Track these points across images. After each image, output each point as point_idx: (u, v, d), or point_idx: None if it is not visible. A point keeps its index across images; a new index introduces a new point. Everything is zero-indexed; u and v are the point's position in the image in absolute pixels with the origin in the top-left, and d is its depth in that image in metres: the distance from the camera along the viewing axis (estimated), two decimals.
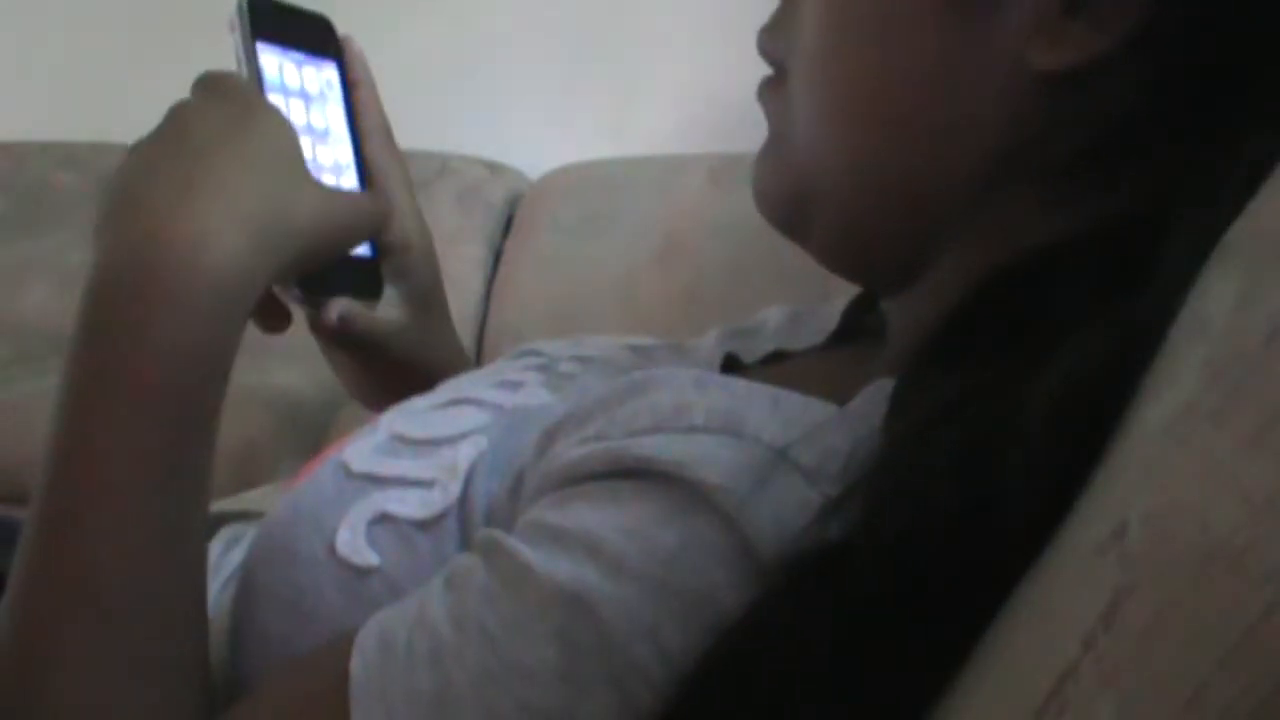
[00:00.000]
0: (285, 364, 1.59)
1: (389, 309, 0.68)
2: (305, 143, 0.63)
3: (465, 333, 1.89)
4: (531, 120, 2.13)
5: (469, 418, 0.55)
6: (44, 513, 0.50)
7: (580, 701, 0.41)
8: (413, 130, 2.04)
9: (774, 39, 0.55)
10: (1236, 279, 0.35)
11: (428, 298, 0.71)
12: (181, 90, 0.65)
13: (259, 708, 0.48)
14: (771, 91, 0.55)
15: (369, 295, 0.67)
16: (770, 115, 0.55)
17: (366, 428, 0.57)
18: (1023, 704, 0.32)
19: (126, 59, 2.24)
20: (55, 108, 2.31)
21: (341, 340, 0.68)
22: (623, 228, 1.85)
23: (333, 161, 0.67)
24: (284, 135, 0.58)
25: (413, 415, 0.56)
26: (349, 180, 0.67)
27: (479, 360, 1.83)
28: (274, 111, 0.59)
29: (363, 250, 0.67)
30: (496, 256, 1.97)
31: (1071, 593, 0.33)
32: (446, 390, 0.59)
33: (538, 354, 0.61)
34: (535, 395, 0.56)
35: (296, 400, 1.72)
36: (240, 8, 0.64)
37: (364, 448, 0.55)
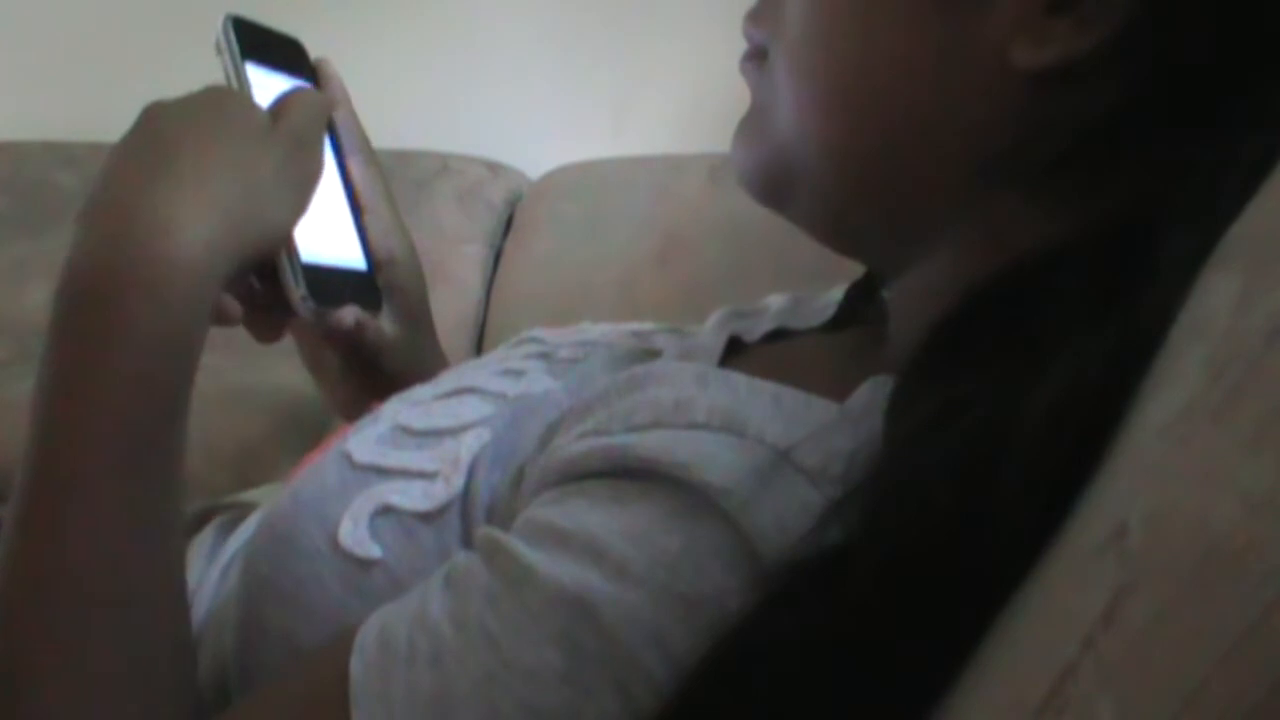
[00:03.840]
0: (285, 364, 1.59)
1: (383, 323, 0.69)
2: None
3: (465, 333, 1.89)
4: (531, 120, 2.12)
5: (472, 408, 0.54)
6: (22, 509, 0.50)
7: (583, 704, 0.41)
8: (413, 130, 2.05)
9: (758, 24, 0.55)
10: (1236, 279, 0.35)
11: (417, 311, 0.72)
12: (181, 91, 0.65)
13: (260, 707, 0.48)
14: (754, 66, 0.55)
15: (371, 307, 0.68)
16: (752, 88, 0.55)
17: (368, 418, 0.57)
18: (1023, 704, 0.32)
19: (126, 59, 2.24)
20: (55, 108, 2.30)
21: (344, 354, 0.68)
22: (623, 228, 1.85)
23: (323, 185, 0.67)
24: (251, 119, 0.58)
25: (416, 406, 0.56)
26: (336, 197, 0.68)
27: None
28: (241, 98, 0.59)
29: (359, 265, 0.67)
30: (496, 256, 1.97)
31: (1071, 593, 0.33)
32: (449, 380, 0.59)
33: (538, 341, 0.61)
34: (538, 382, 0.56)
35: (296, 400, 1.71)
36: (226, 28, 0.64)
37: (367, 438, 0.55)
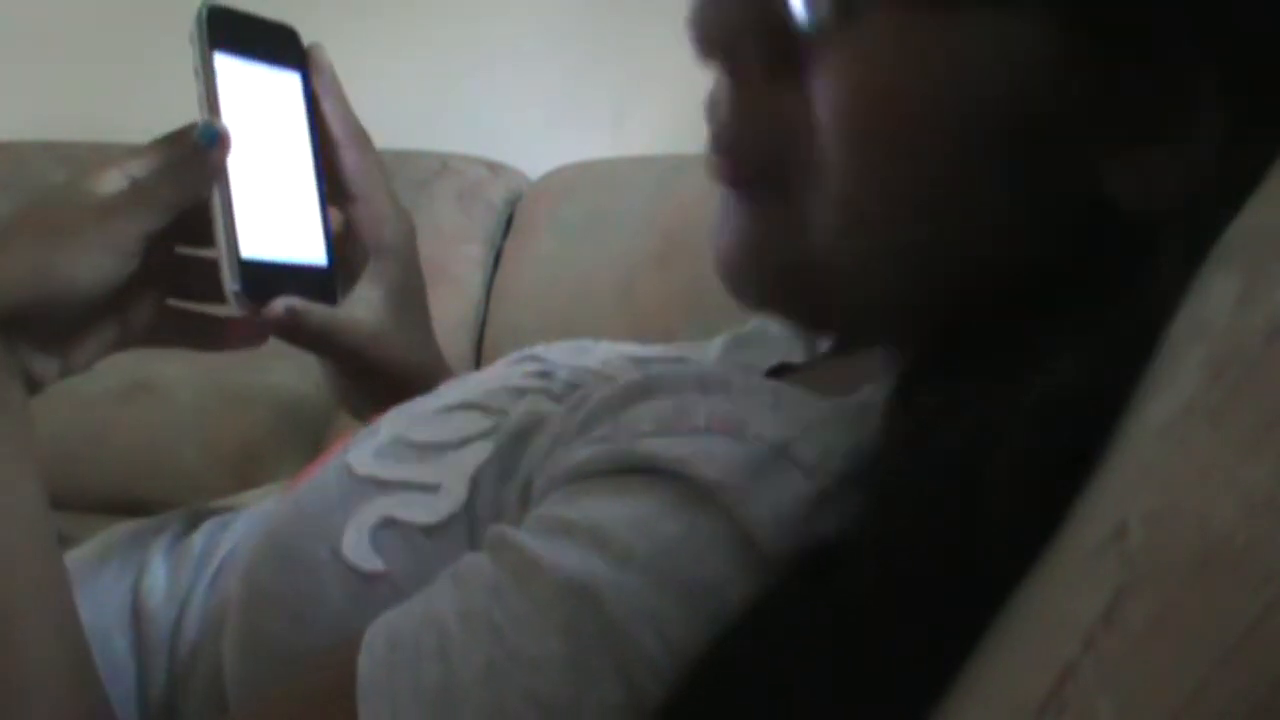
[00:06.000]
0: (285, 364, 1.59)
1: (368, 311, 0.69)
2: (260, 152, 0.64)
3: (465, 333, 1.89)
4: (531, 120, 2.12)
5: (473, 423, 0.54)
6: None
7: (587, 691, 0.41)
8: (413, 130, 2.05)
9: (748, 130, 0.47)
10: (1236, 278, 0.35)
11: (408, 299, 0.71)
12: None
13: (267, 708, 0.48)
14: (752, 194, 0.48)
15: (324, 302, 0.68)
16: (751, 215, 0.49)
17: (367, 429, 0.57)
18: (1023, 704, 0.32)
19: (126, 59, 2.24)
20: (55, 108, 2.30)
21: (316, 342, 0.68)
22: (623, 228, 1.85)
23: (290, 170, 0.67)
24: (51, 203, 0.62)
25: (416, 418, 0.56)
26: (306, 189, 0.68)
27: (478, 358, 1.83)
28: (67, 181, 0.62)
29: (317, 262, 0.67)
30: (496, 256, 1.97)
31: (1071, 593, 0.33)
32: (449, 393, 0.59)
33: (538, 359, 0.61)
34: (538, 403, 0.56)
35: (296, 400, 1.71)
36: (199, 18, 0.64)
37: (366, 450, 0.55)
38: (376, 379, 0.71)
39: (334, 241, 0.69)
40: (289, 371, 1.66)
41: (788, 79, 0.45)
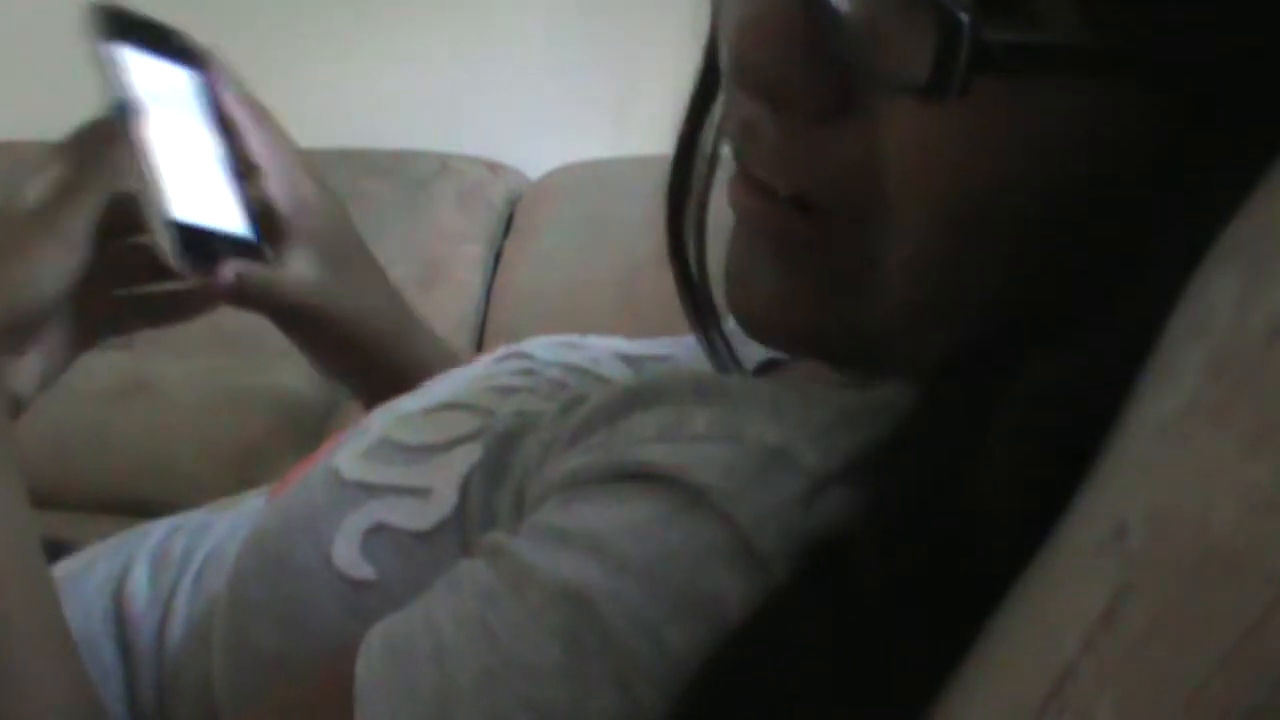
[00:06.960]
0: (285, 364, 1.59)
1: (307, 267, 0.70)
2: (171, 137, 0.66)
3: (465, 333, 1.89)
4: (531, 120, 2.12)
5: (461, 424, 0.54)
6: None
7: (584, 699, 0.41)
8: (413, 130, 2.04)
9: (797, 164, 0.46)
10: (1236, 278, 0.35)
11: (343, 253, 0.73)
12: None
13: (262, 713, 0.48)
14: (784, 214, 0.47)
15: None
16: (796, 260, 0.47)
17: (354, 430, 0.57)
18: (1023, 704, 0.32)
19: None
20: (55, 108, 2.31)
21: (262, 302, 0.70)
22: (623, 228, 1.85)
23: (200, 153, 0.69)
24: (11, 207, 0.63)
25: (404, 420, 0.56)
26: (218, 171, 0.70)
27: None
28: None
29: (245, 234, 0.69)
30: (496, 256, 1.97)
31: (1071, 593, 0.33)
32: (436, 392, 0.59)
33: (526, 357, 0.61)
34: (528, 402, 0.56)
35: (296, 400, 1.71)
36: (89, 15, 0.66)
37: (354, 453, 0.54)
38: (333, 335, 0.73)
39: (255, 220, 0.70)
40: (289, 371, 1.66)
41: (843, 118, 0.44)
